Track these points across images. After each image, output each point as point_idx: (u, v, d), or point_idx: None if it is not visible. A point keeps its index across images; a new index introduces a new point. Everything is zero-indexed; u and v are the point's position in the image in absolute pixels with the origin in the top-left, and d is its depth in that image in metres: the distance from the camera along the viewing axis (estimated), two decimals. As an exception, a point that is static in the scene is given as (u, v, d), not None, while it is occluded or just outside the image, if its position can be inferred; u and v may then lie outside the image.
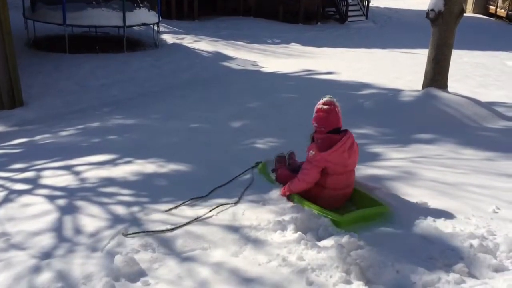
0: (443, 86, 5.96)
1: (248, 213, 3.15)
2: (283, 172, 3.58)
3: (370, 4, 19.45)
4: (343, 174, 3.18)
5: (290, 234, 2.80)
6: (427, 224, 2.93)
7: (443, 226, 2.92)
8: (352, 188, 3.33)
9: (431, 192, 3.43)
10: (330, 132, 3.18)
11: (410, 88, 7.11)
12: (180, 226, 2.94)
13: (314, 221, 2.98)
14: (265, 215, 3.10)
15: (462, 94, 6.25)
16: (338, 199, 3.25)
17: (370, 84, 8.23)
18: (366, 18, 18.81)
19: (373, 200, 3.21)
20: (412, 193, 3.41)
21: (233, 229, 2.95)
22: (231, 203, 3.26)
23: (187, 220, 3.02)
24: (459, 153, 4.51)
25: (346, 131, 3.24)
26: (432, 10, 5.78)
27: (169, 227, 2.93)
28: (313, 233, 2.85)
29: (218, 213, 3.15)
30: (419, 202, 3.24)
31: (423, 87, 6.07)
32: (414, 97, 5.78)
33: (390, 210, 3.09)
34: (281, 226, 2.91)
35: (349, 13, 18.16)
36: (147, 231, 2.88)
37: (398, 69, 10.20)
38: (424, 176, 3.78)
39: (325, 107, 3.23)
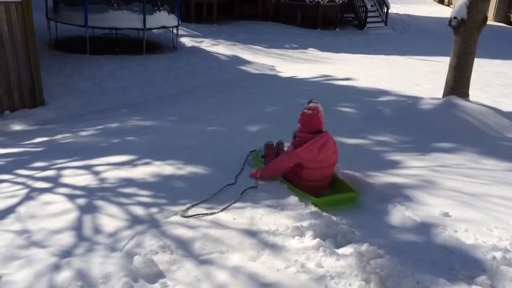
0: (465, 94, 5.88)
1: (266, 218, 3.14)
2: (270, 159, 3.93)
3: (390, 11, 19.33)
4: (317, 169, 3.53)
5: (309, 240, 2.78)
6: (448, 234, 2.88)
7: (465, 237, 2.87)
8: (328, 181, 3.67)
9: (452, 202, 3.38)
10: (313, 133, 3.54)
11: (429, 96, 7.04)
12: (229, 204, 3.27)
13: (332, 227, 2.96)
14: (283, 220, 3.08)
15: (483, 103, 6.15)
16: (314, 190, 3.54)
17: (389, 91, 8.16)
18: (385, 25, 18.70)
19: (347, 186, 3.59)
20: (433, 203, 3.37)
21: (251, 233, 2.94)
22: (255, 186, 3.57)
23: (207, 223, 3.03)
24: (480, 163, 4.44)
25: (324, 132, 3.59)
26: (455, 17, 5.72)
27: (216, 210, 3.19)
28: (331, 240, 2.83)
29: (235, 217, 3.15)
30: (440, 212, 3.19)
31: (444, 95, 5.99)
32: (435, 105, 5.71)
33: (360, 196, 3.51)
34: (299, 232, 2.89)
35: (368, 19, 18.07)
36: (204, 214, 3.15)
37: (417, 76, 10.10)
38: (444, 185, 3.73)
39: (309, 112, 3.60)
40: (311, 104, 3.62)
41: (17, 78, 6.91)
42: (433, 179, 3.86)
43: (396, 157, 4.56)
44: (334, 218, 3.09)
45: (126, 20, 10.95)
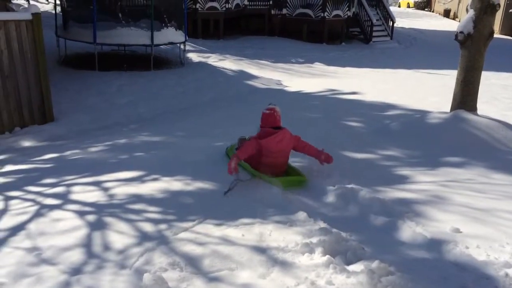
0: (472, 108, 5.86)
1: (275, 234, 3.13)
2: (245, 146, 4.37)
3: (395, 25, 19.42)
4: (273, 158, 4.25)
5: (318, 257, 2.77)
6: (459, 251, 2.85)
7: (477, 253, 2.84)
8: (283, 169, 4.38)
9: (463, 218, 3.35)
10: (272, 128, 4.30)
11: (436, 110, 7.01)
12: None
13: (342, 244, 2.94)
14: (292, 237, 3.07)
15: (491, 116, 6.12)
16: (271, 174, 4.17)
17: (396, 105, 8.16)
18: (391, 39, 18.77)
19: (298, 172, 4.37)
20: (443, 219, 3.34)
21: (260, 250, 2.93)
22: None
23: (216, 240, 3.03)
24: (490, 177, 4.40)
25: (282, 128, 4.36)
26: (461, 32, 5.73)
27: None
28: (341, 256, 2.81)
29: (244, 233, 3.14)
30: (450, 228, 3.17)
31: (451, 109, 5.98)
32: (443, 119, 5.69)
33: (307, 180, 4.22)
34: (309, 249, 2.87)
35: (374, 33, 18.16)
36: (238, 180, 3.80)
37: (424, 90, 10.09)
38: (454, 201, 3.70)
39: (267, 111, 4.39)
40: (269, 106, 4.45)
41: (27, 95, 6.99)
42: (443, 194, 3.84)
43: (404, 171, 4.54)
44: (343, 234, 3.07)
45: (134, 36, 11.09)
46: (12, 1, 9.21)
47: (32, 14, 6.93)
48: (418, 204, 3.64)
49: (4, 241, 3.00)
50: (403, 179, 4.34)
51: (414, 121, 6.19)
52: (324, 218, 3.44)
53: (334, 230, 3.11)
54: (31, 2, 8.73)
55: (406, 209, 3.55)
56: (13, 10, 8.27)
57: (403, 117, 6.78)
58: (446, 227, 3.22)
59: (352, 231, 3.20)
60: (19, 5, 10.27)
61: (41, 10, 7.28)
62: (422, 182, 4.23)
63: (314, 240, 2.95)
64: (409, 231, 3.22)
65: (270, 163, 4.22)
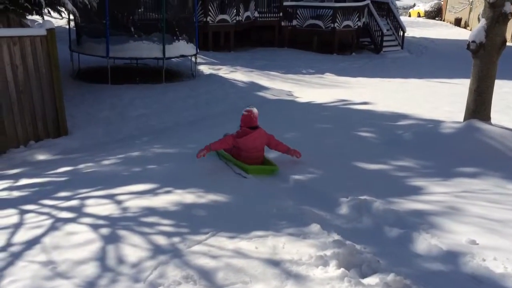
0: (486, 118, 5.80)
1: (288, 247, 3.12)
2: (220, 141, 5.12)
3: (406, 34, 19.38)
4: (250, 152, 5.00)
5: (333, 270, 2.75)
6: (476, 263, 2.81)
7: (494, 266, 2.80)
8: (259, 160, 5.11)
9: (479, 229, 3.31)
10: (250, 127, 5.00)
11: (449, 119, 6.96)
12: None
13: (357, 256, 2.92)
14: (306, 249, 3.05)
15: (505, 126, 6.06)
16: (250, 164, 4.93)
17: (408, 115, 8.11)
18: (402, 48, 18.72)
19: (271, 163, 5.06)
20: (459, 230, 3.30)
21: (274, 263, 2.92)
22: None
23: (229, 253, 3.02)
24: (506, 188, 4.35)
25: (258, 128, 5.06)
26: (473, 41, 5.70)
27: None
28: (356, 269, 2.78)
29: (257, 246, 3.13)
30: (466, 240, 3.12)
31: (464, 119, 5.93)
32: (456, 129, 5.64)
33: (279, 169, 4.91)
34: (323, 262, 2.85)
35: (384, 43, 18.13)
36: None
37: (436, 100, 10.02)
38: (470, 212, 3.65)
39: (246, 113, 5.06)
40: (247, 108, 5.11)
41: (42, 109, 7.10)
42: (458, 205, 3.79)
43: (418, 182, 4.50)
44: (358, 246, 3.05)
45: (146, 50, 11.23)
46: (27, 17, 9.39)
47: (47, 30, 7.07)
48: (432, 216, 3.60)
49: (20, 255, 3.03)
50: (416, 190, 4.30)
51: (427, 131, 6.15)
52: (337, 230, 3.42)
53: (348, 242, 3.09)
54: (46, 18, 8.88)
55: (421, 221, 3.52)
56: (28, 26, 8.44)
57: (416, 127, 6.73)
58: (462, 239, 3.18)
59: (366, 243, 3.17)
60: (34, 20, 10.47)
61: (55, 25, 7.41)
62: (436, 193, 4.19)
63: (328, 252, 2.93)
64: (424, 243, 3.18)
65: (247, 156, 5.01)
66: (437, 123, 6.53)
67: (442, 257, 2.97)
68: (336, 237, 3.22)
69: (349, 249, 2.96)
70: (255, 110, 5.07)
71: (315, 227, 3.38)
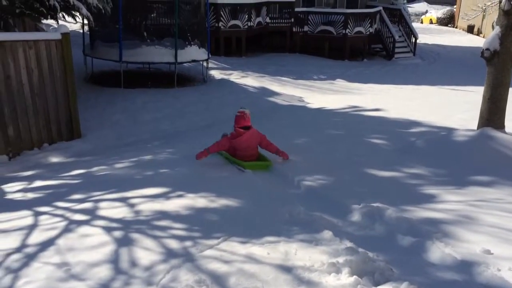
0: (500, 126, 5.75)
1: (300, 253, 3.11)
2: (216, 144, 5.52)
3: (418, 41, 19.30)
4: (244, 151, 5.39)
5: (345, 277, 2.73)
6: (491, 273, 2.78)
7: (509, 276, 2.76)
8: (254, 158, 5.49)
9: (493, 239, 3.27)
10: (241, 127, 5.37)
11: (463, 127, 6.90)
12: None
13: (369, 264, 2.90)
14: (318, 256, 3.05)
15: (519, 134, 6.00)
16: (245, 161, 5.32)
17: (420, 122, 8.05)
18: (414, 55, 18.65)
19: (266, 159, 5.49)
20: (473, 239, 3.26)
21: (286, 269, 2.91)
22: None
23: (241, 258, 3.02)
24: (520, 197, 4.29)
25: (250, 128, 5.43)
26: (487, 49, 5.66)
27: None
28: (369, 277, 2.77)
29: (269, 252, 3.13)
30: (481, 249, 3.09)
31: (478, 127, 5.88)
32: (469, 137, 5.59)
33: (272, 165, 5.37)
34: (336, 269, 2.84)
35: (396, 50, 18.08)
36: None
37: (449, 107, 9.94)
38: (484, 221, 3.61)
39: (238, 114, 5.41)
40: (240, 109, 5.47)
41: (56, 113, 7.19)
42: (472, 214, 3.75)
43: (431, 190, 4.46)
44: (370, 254, 3.03)
45: (158, 54, 11.33)
46: (42, 22, 9.53)
47: (62, 34, 7.17)
48: (446, 224, 3.57)
49: (34, 256, 3.06)
50: (430, 198, 4.26)
51: (440, 139, 6.10)
52: (350, 237, 3.40)
53: (360, 249, 3.07)
54: (60, 22, 9.01)
55: (434, 229, 3.49)
56: (43, 30, 8.57)
57: (428, 134, 6.68)
58: (476, 248, 3.15)
59: (379, 251, 3.15)
60: (49, 25, 10.64)
61: (69, 29, 7.50)
62: (450, 201, 4.15)
63: (341, 260, 2.92)
64: (438, 252, 3.15)
65: (242, 154, 5.41)
66: (450, 130, 6.48)
67: (456, 267, 2.94)
68: (349, 244, 3.20)
69: (362, 256, 2.94)
70: (247, 111, 5.46)
71: (327, 234, 3.37)
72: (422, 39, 22.01)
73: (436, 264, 3.04)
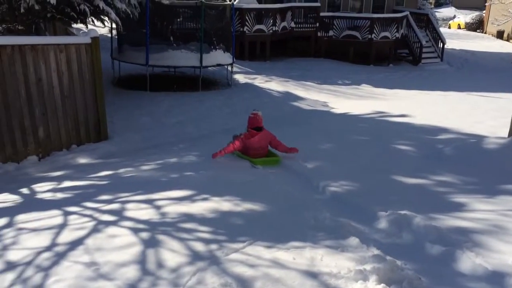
0: (532, 134, 5.60)
1: (326, 259, 3.08)
2: (231, 144, 5.88)
3: (446, 46, 18.96)
4: (256, 150, 5.80)
5: (373, 285, 2.70)
6: (525, 286, 2.69)
7: (544, 289, 2.67)
8: (264, 155, 5.89)
9: (527, 250, 3.17)
10: (253, 128, 5.82)
11: (493, 134, 6.74)
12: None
13: (397, 272, 2.85)
14: (344, 263, 3.01)
15: (553, 142, 5.81)
16: (255, 158, 5.74)
17: (448, 129, 7.90)
18: (441, 60, 18.31)
19: (274, 155, 5.92)
20: (505, 250, 3.17)
21: (312, 275, 2.89)
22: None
23: (267, 262, 3.01)
24: (554, 207, 4.15)
25: (262, 129, 5.88)
26: (520, 54, 5.52)
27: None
28: (397, 286, 2.73)
29: (295, 257, 3.11)
30: (514, 261, 3.00)
31: (509, 134, 5.73)
32: (500, 145, 5.46)
33: (281, 160, 5.76)
34: (363, 276, 2.81)
35: (423, 55, 17.78)
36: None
37: (478, 114, 9.72)
38: (517, 231, 3.51)
39: (251, 115, 5.89)
40: (253, 111, 5.97)
41: (84, 115, 7.33)
42: (504, 224, 3.65)
43: (460, 199, 4.37)
44: (398, 262, 2.98)
45: (184, 58, 11.45)
46: (72, 26, 9.77)
47: (91, 38, 7.32)
48: (477, 234, 3.48)
49: (64, 255, 3.12)
50: (459, 207, 4.17)
51: (469, 146, 5.98)
52: (377, 244, 3.36)
53: (388, 257, 3.03)
54: (89, 26, 9.21)
55: (464, 239, 3.41)
56: (73, 34, 8.77)
57: (457, 141, 6.55)
58: (508, 259, 3.06)
59: (407, 259, 3.10)
60: (79, 29, 10.89)
61: (98, 33, 7.66)
62: (480, 210, 4.05)
63: (368, 267, 2.88)
64: (468, 262, 3.08)
65: (254, 153, 5.81)
66: (479, 138, 6.34)
67: (487, 277, 2.86)
68: (376, 251, 3.16)
69: (390, 264, 2.90)
70: (259, 113, 5.93)
71: (353, 241, 3.33)
72: (450, 44, 21.61)
73: (466, 274, 2.96)
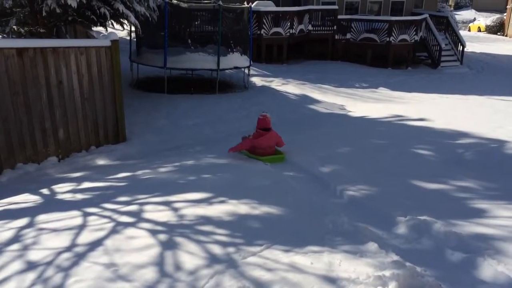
0: (557, 139, 5.46)
1: (345, 264, 3.05)
2: (243, 142, 6.42)
3: (465, 49, 18.67)
4: (263, 149, 6.23)
5: (393, 291, 2.66)
6: (550, 295, 2.63)
7: None
8: (271, 154, 6.29)
9: (552, 259, 3.09)
10: (262, 129, 6.28)
11: (515, 139, 6.61)
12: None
13: (418, 279, 2.81)
14: (363, 268, 2.98)
15: None
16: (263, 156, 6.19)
17: (468, 133, 7.76)
18: (461, 64, 18.04)
19: (280, 152, 6.36)
20: (529, 258, 3.10)
21: (330, 280, 2.86)
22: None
23: (284, 267, 3.00)
24: None
25: (270, 130, 6.34)
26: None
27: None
28: (417, 293, 2.68)
29: (313, 261, 3.09)
30: (538, 269, 2.93)
31: (532, 140, 5.61)
32: (523, 150, 5.34)
33: (285, 157, 6.20)
34: (382, 282, 2.77)
35: (442, 58, 17.54)
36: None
37: (499, 118, 9.54)
38: (541, 239, 3.43)
39: (261, 117, 6.35)
40: (262, 113, 6.45)
41: (103, 117, 7.43)
42: (527, 231, 3.57)
43: (482, 205, 4.29)
44: (418, 269, 2.93)
45: (201, 61, 11.52)
46: (92, 29, 9.92)
47: (111, 41, 7.41)
48: (499, 241, 3.41)
49: (84, 256, 3.16)
50: (480, 213, 4.09)
51: (491, 151, 5.87)
52: (396, 250, 3.32)
53: (408, 264, 2.99)
54: (109, 29, 9.34)
55: (486, 246, 3.34)
56: (93, 37, 8.90)
57: (478, 146, 6.43)
58: (532, 268, 2.98)
59: (427, 266, 3.05)
60: (99, 32, 11.05)
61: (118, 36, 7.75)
62: (503, 217, 3.97)
63: (387, 273, 2.84)
64: (490, 269, 3.02)
65: (262, 152, 6.23)
66: (501, 143, 6.22)
67: (509, 286, 2.80)
68: (395, 257, 3.12)
69: (410, 271, 2.86)
70: (268, 116, 6.41)
71: (372, 246, 3.29)
72: (470, 47, 21.29)
73: (488, 282, 2.91)
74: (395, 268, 2.90)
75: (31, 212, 4.11)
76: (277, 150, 6.42)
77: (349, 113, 10.41)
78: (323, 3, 18.82)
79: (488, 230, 3.64)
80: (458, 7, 42.75)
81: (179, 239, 3.42)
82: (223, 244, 3.37)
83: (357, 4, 19.63)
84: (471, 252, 3.26)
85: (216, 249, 3.28)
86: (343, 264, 3.05)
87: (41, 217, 3.90)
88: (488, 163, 5.36)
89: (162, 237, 3.45)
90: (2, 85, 5.99)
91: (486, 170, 5.17)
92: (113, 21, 9.24)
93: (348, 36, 17.46)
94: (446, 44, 17.92)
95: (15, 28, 8.96)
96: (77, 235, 3.50)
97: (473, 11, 40.00)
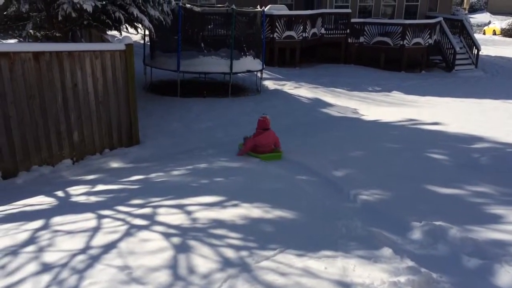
0: None
1: (359, 270, 3.03)
2: (246, 143, 6.92)
3: (480, 53, 18.46)
4: (263, 148, 6.75)
5: (408, 298, 2.63)
6: None
7: None
8: (270, 152, 6.77)
9: None
10: (261, 129, 6.82)
11: (531, 144, 6.50)
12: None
13: (433, 286, 2.77)
14: (377, 274, 2.95)
15: None
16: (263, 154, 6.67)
17: (483, 138, 7.66)
18: (476, 67, 17.83)
19: (277, 151, 6.81)
20: (548, 265, 3.04)
21: (344, 285, 2.84)
22: None
23: (298, 271, 2.98)
24: None
25: (269, 130, 6.88)
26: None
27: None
28: (433, 299, 2.64)
29: (326, 266, 3.07)
30: (558, 277, 2.87)
31: (550, 144, 5.51)
32: (540, 155, 5.25)
33: (283, 154, 6.66)
34: (397, 288, 2.74)
35: (457, 61, 17.36)
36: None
37: (515, 122, 9.40)
38: (560, 246, 3.36)
39: (261, 119, 6.94)
40: (262, 115, 7.07)
41: (117, 120, 7.49)
42: (545, 238, 3.50)
43: (498, 210, 4.22)
44: (434, 275, 2.90)
45: (214, 65, 11.56)
46: (107, 33, 10.03)
47: (126, 45, 7.48)
48: (516, 248, 3.35)
49: (98, 258, 3.18)
50: (496, 219, 4.03)
51: (506, 156, 5.79)
52: (410, 255, 3.28)
53: (423, 269, 2.95)
54: (123, 33, 9.42)
55: (503, 252, 3.29)
56: (108, 41, 8.99)
57: (493, 150, 6.34)
58: (551, 275, 2.93)
59: (443, 272, 3.01)
60: (114, 36, 11.16)
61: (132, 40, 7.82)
62: (520, 223, 3.90)
63: (402, 279, 2.81)
64: (507, 276, 2.97)
65: (261, 150, 6.75)
66: (517, 147, 6.12)
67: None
68: (410, 263, 3.08)
69: (425, 277, 2.82)
70: (268, 117, 7.01)
71: (387, 251, 3.26)
72: (485, 51, 21.04)
73: (505, 289, 2.85)
74: (410, 274, 2.87)
75: (46, 214, 4.15)
76: (276, 149, 6.93)
77: (362, 117, 10.36)
78: (336, 7, 18.78)
79: (505, 236, 3.59)
80: (473, 10, 42.33)
81: (192, 243, 3.42)
82: (236, 248, 3.37)
83: (371, 7, 19.57)
84: (488, 259, 3.21)
85: (229, 253, 3.28)
86: (357, 269, 3.03)
87: (56, 219, 3.94)
88: (503, 168, 5.29)
89: (176, 240, 3.46)
90: (18, 88, 6.08)
91: (501, 175, 5.09)
92: (127, 25, 9.32)
93: (361, 39, 17.39)
94: (460, 48, 17.75)
95: (32, 32, 9.09)
96: (91, 237, 3.53)
97: (488, 14, 39.59)
